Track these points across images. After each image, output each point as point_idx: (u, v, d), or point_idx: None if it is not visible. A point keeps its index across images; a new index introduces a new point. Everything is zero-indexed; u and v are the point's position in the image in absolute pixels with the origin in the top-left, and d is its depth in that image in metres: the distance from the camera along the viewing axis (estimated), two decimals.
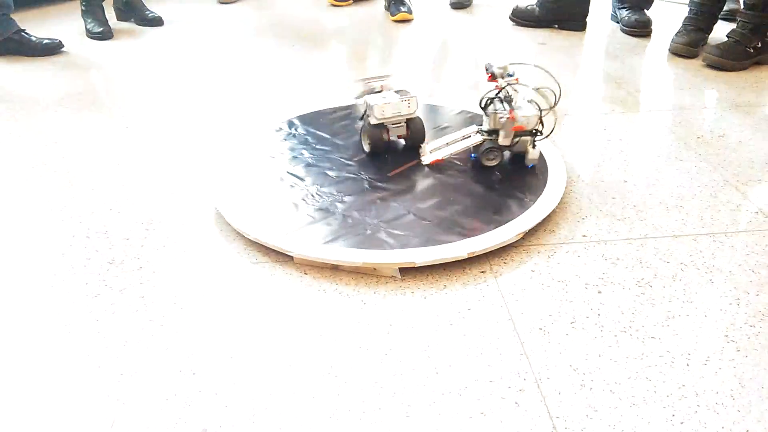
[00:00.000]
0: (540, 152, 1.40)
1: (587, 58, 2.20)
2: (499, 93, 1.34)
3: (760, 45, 2.03)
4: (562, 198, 1.27)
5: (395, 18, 2.69)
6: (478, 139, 1.37)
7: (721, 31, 2.26)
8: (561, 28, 2.54)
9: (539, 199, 1.25)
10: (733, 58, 2.02)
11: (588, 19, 2.53)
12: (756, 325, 0.97)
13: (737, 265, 1.11)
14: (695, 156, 1.49)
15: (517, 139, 1.34)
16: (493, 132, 1.35)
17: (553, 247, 1.17)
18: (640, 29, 2.43)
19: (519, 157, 1.39)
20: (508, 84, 1.34)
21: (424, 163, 1.38)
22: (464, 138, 1.42)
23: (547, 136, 1.36)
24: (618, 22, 2.54)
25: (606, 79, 2.00)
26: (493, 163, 1.37)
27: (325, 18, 2.79)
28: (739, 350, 0.92)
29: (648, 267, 1.11)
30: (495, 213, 1.20)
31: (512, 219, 1.18)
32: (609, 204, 1.30)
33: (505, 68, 1.34)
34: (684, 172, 1.42)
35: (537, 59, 2.19)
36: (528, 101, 1.36)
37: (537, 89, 1.38)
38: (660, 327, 0.97)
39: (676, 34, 2.21)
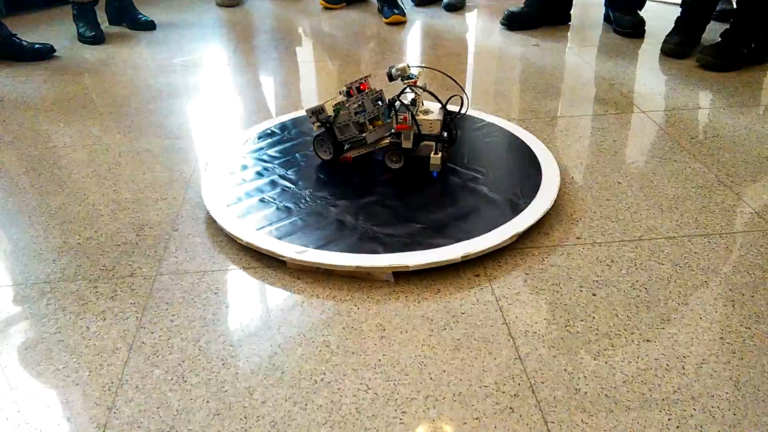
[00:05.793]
0: (442, 159, 1.33)
1: (580, 59, 2.19)
2: (400, 95, 1.33)
3: (753, 45, 2.03)
4: (555, 200, 1.26)
5: (388, 20, 2.69)
6: (386, 141, 1.37)
7: (713, 31, 2.26)
8: (549, 23, 2.56)
9: (533, 201, 1.24)
10: (725, 59, 2.02)
11: (572, 12, 2.60)
12: (751, 327, 0.97)
13: (732, 267, 1.11)
14: (689, 157, 1.49)
15: (420, 143, 1.34)
16: (399, 134, 1.35)
17: (548, 249, 1.16)
18: (633, 30, 2.43)
19: (425, 162, 1.36)
20: (408, 86, 1.34)
21: (339, 158, 1.40)
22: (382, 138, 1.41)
23: (451, 145, 1.38)
24: (611, 24, 2.54)
25: (599, 80, 2.00)
26: (396, 165, 1.37)
27: (318, 21, 2.78)
28: (734, 353, 0.92)
29: (643, 269, 1.10)
30: (489, 216, 1.20)
31: (506, 221, 1.18)
32: (603, 205, 1.30)
33: (404, 69, 1.34)
34: (678, 173, 1.42)
35: (530, 61, 2.18)
36: (440, 108, 1.35)
37: (451, 97, 1.42)
38: (655, 330, 0.97)
39: (668, 35, 2.22)
